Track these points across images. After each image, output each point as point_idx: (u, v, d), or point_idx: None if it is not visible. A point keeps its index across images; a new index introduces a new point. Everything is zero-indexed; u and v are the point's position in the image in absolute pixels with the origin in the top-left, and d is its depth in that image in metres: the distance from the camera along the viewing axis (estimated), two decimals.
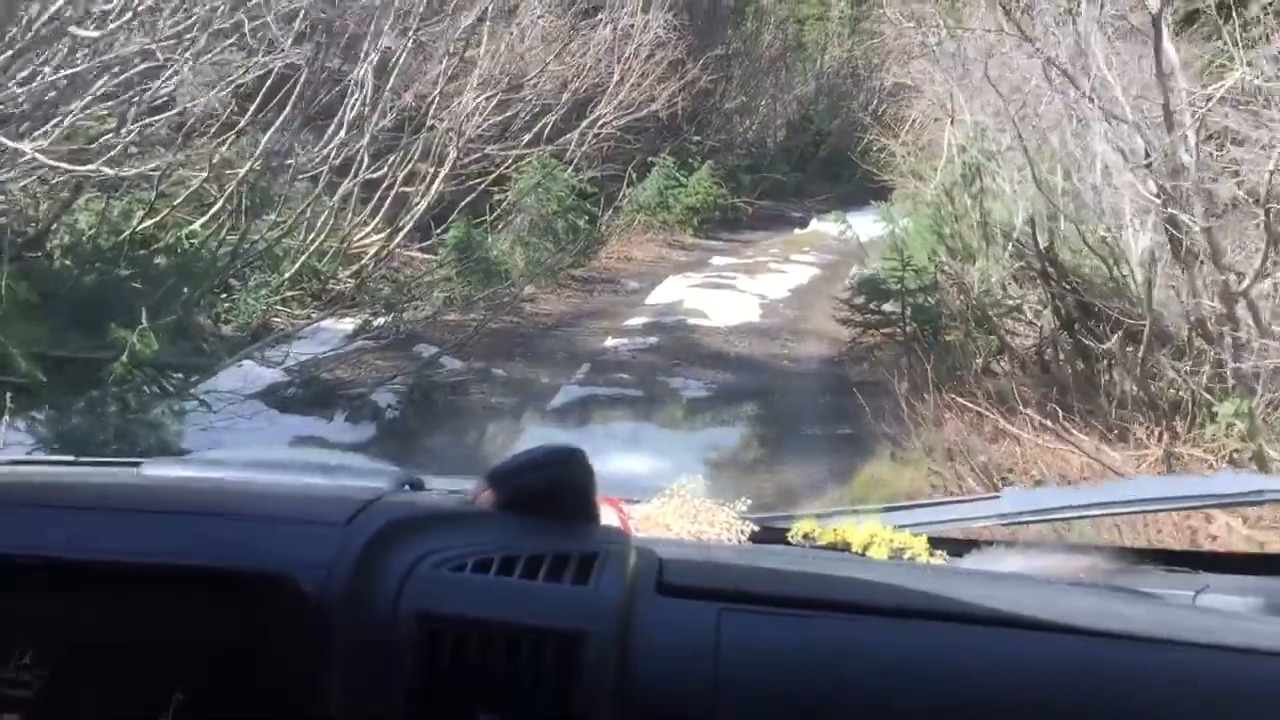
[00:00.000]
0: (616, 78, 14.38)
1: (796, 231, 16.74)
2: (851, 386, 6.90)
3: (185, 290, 6.33)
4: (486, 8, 11.07)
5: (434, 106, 10.85)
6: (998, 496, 1.33)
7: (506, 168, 12.06)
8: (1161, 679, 0.77)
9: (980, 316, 8.10)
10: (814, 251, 14.61)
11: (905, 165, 14.42)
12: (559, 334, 8.96)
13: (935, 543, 1.22)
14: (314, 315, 9.09)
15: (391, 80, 9.81)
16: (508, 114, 12.05)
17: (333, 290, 9.76)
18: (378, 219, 10.63)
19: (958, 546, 1.24)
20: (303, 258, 9.05)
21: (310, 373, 6.76)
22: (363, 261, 9.93)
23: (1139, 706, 0.76)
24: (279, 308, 9.02)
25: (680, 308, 9.94)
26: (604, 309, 10.09)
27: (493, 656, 0.74)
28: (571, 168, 13.82)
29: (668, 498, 1.28)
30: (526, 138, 12.81)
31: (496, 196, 11.74)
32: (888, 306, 8.47)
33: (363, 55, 9.74)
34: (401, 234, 10.45)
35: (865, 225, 16.92)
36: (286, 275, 8.98)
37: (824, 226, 16.99)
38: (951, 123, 10.18)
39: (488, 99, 11.21)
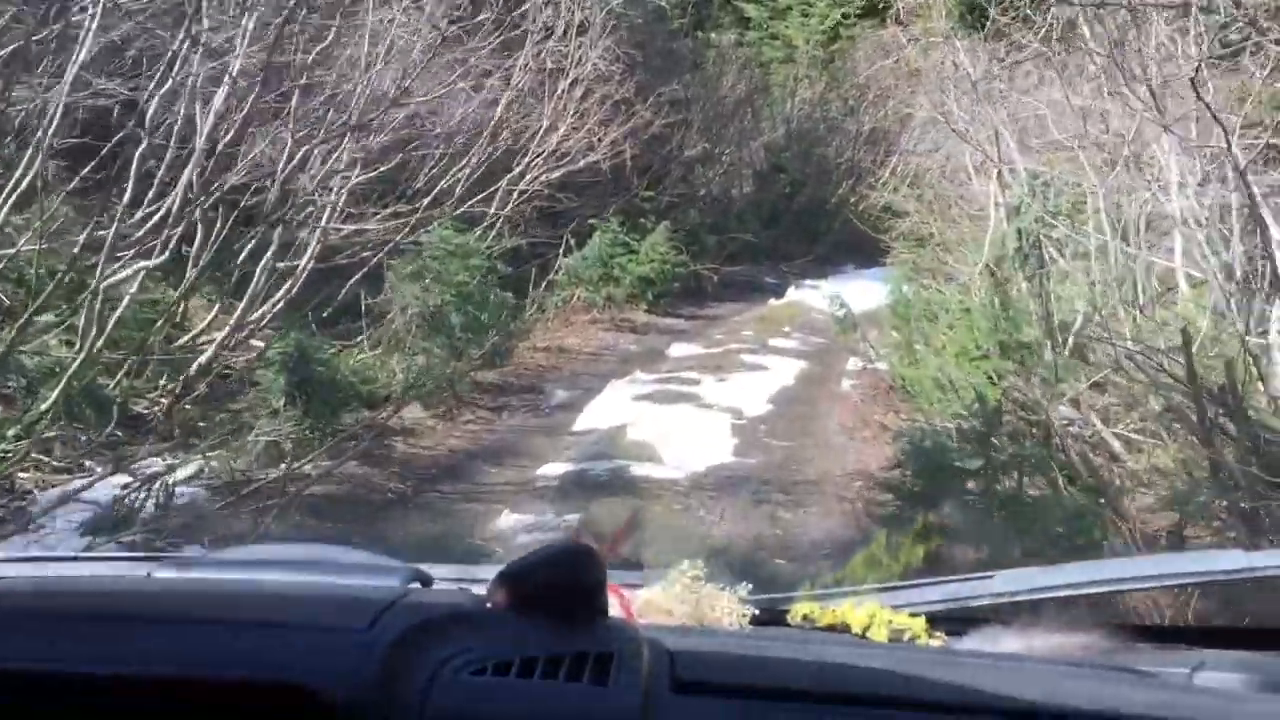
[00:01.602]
0: (546, 122, 11.42)
1: (772, 303, 13.74)
2: None
3: None
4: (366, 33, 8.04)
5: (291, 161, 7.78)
6: (991, 576, 1.30)
7: (396, 240, 9.01)
8: None
9: (1087, 473, 5.08)
10: (796, 331, 11.61)
11: (914, 224, 11.50)
12: (427, 503, 5.83)
13: (933, 622, 1.19)
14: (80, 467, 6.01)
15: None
16: (390, 168, 9.00)
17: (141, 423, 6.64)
18: (209, 321, 7.53)
19: (955, 625, 1.21)
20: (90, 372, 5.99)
21: None
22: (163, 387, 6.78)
23: None
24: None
25: (621, 442, 6.83)
26: (510, 447, 6.96)
27: None
28: (493, 235, 10.80)
29: (670, 583, 1.25)
30: (426, 200, 9.80)
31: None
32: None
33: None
34: (239, 338, 7.38)
35: (852, 292, 14.01)
36: (46, 405, 5.83)
37: (804, 296, 14.01)
38: (999, 176, 7.23)
39: (358, 148, 8.18)
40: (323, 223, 8.29)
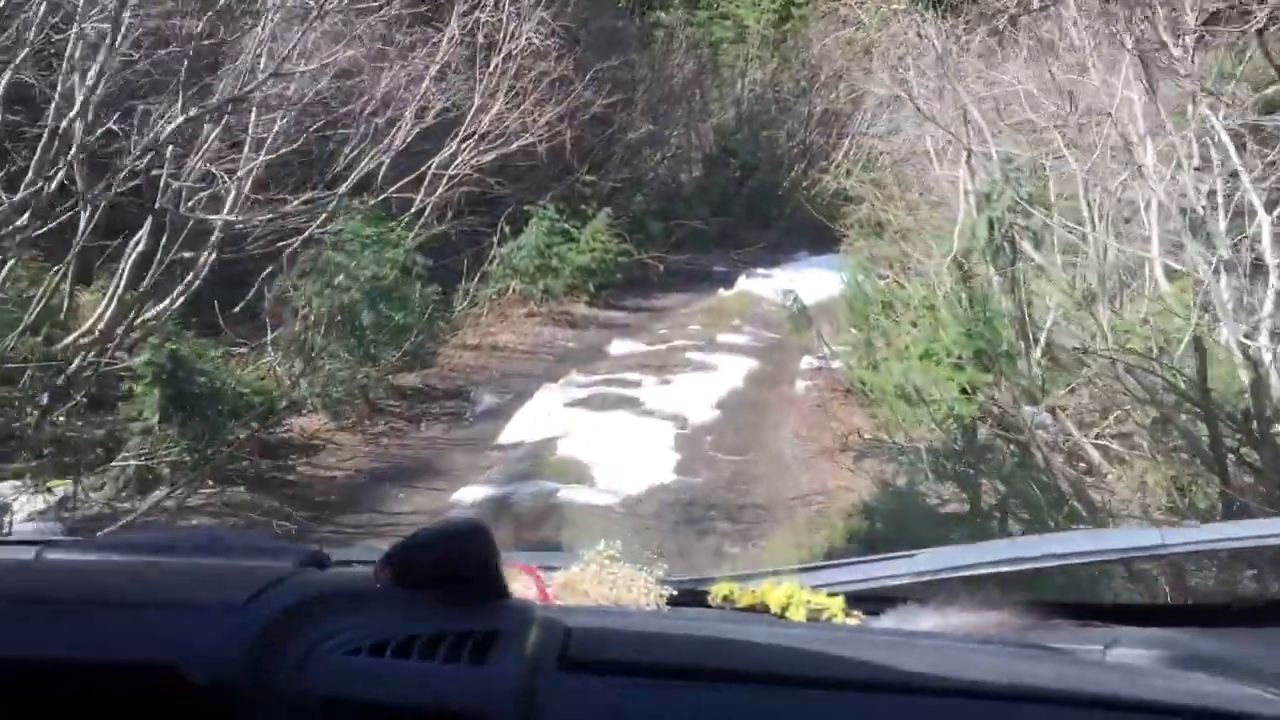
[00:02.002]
0: (477, 100, 10.56)
1: (721, 294, 13.01)
2: None
3: None
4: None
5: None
6: (912, 555, 1.29)
7: (311, 229, 8.14)
8: None
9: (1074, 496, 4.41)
10: (746, 325, 10.89)
11: (870, 210, 10.81)
12: (320, 539, 5.01)
13: (852, 602, 1.18)
14: None
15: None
16: (301, 149, 8.11)
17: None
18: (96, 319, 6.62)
19: (874, 605, 1.20)
20: None
21: None
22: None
23: None
24: None
25: (550, 459, 6.06)
26: (425, 465, 6.17)
27: None
28: (420, 224, 9.95)
29: (585, 564, 1.23)
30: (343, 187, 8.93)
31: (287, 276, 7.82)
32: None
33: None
34: (133, 339, 6.49)
35: (806, 282, 13.34)
36: None
37: (754, 286, 13.31)
38: (968, 159, 6.53)
39: (261, 127, 7.28)
40: (225, 210, 7.41)
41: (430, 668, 0.75)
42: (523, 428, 6.81)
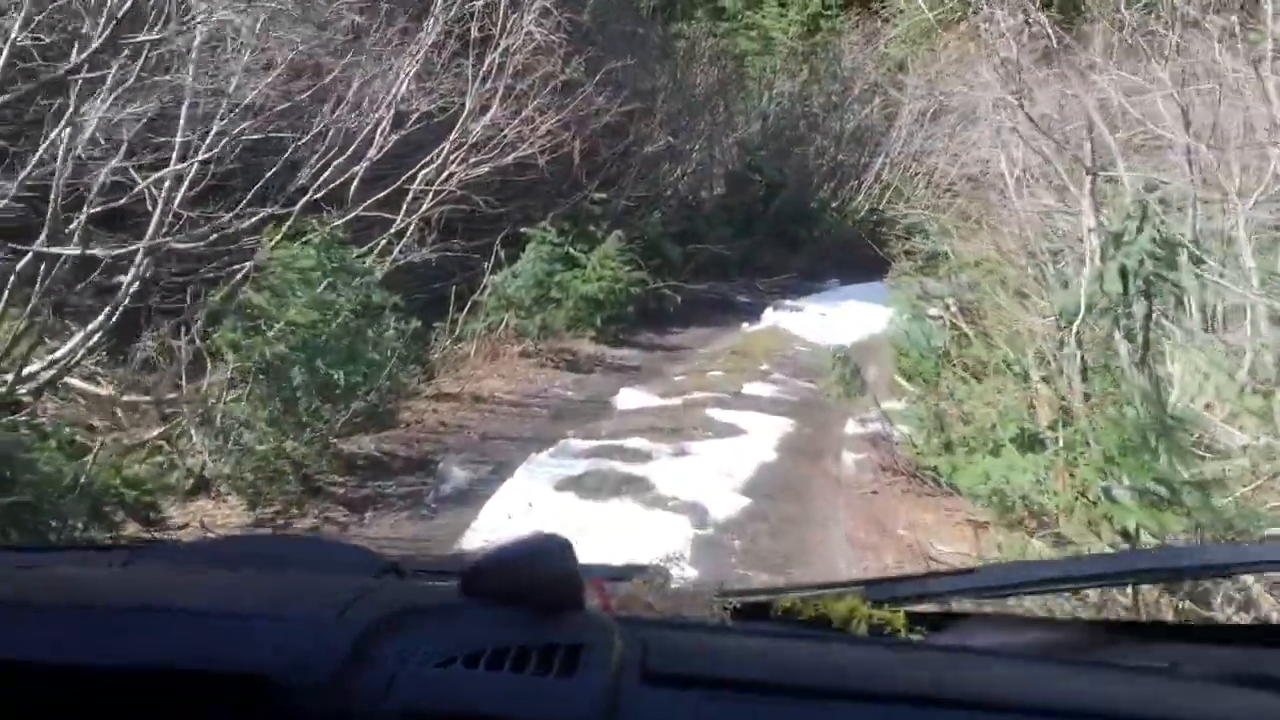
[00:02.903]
0: (468, 105, 8.97)
1: (746, 329, 11.38)
2: None
3: None
4: None
5: None
6: (973, 571, 1.28)
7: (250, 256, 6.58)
8: None
9: None
10: (776, 370, 9.23)
11: (925, 241, 9.20)
12: None
13: (913, 618, 1.15)
14: None
15: None
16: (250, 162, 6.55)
17: None
18: None
19: (936, 621, 1.17)
20: None
21: None
22: None
23: None
24: None
25: None
26: None
27: None
28: (399, 246, 8.39)
29: (650, 576, 1.21)
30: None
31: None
32: None
33: None
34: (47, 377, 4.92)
35: (841, 317, 11.70)
36: None
37: (783, 320, 11.68)
38: (1093, 184, 4.86)
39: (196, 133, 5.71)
40: (151, 231, 5.86)
41: (521, 679, 0.75)
42: (496, 521, 5.20)
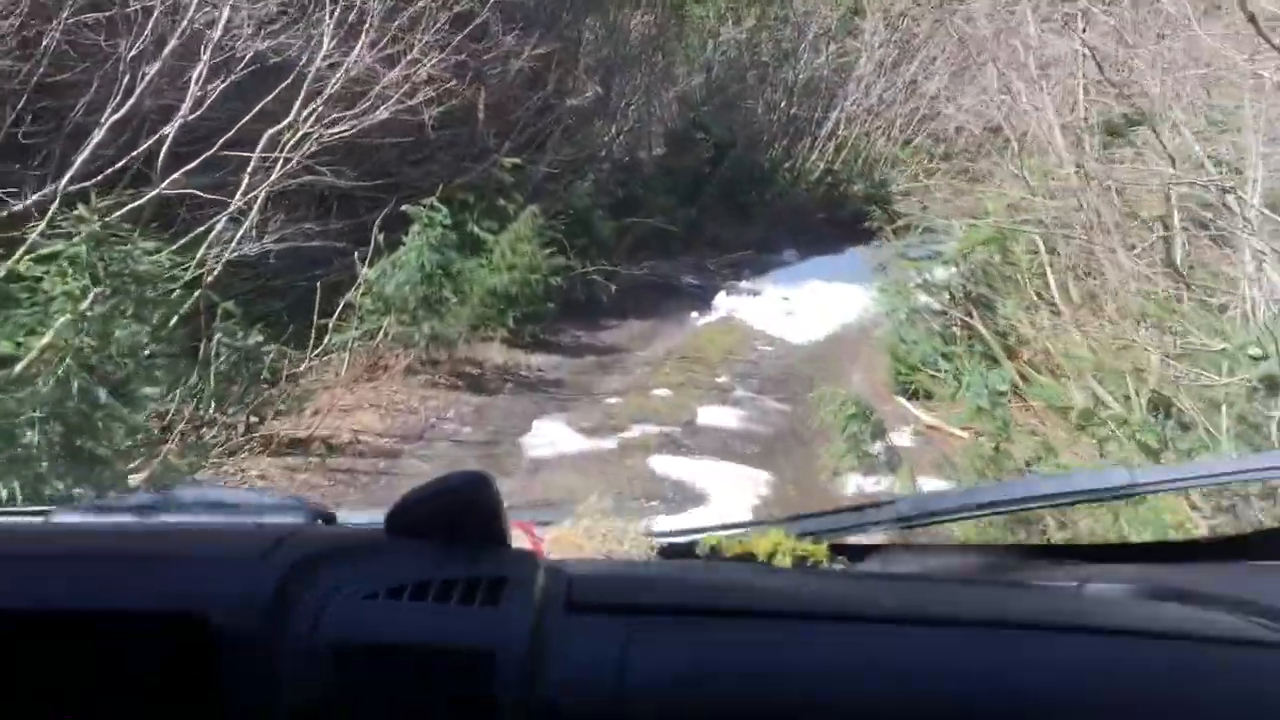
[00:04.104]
0: (325, 44, 6.69)
1: (696, 322, 9.29)
2: None
3: None
4: None
5: None
6: (893, 501, 1.28)
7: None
8: (1050, 665, 0.77)
9: None
10: (738, 384, 7.16)
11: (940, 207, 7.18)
12: None
13: (836, 549, 1.18)
14: None
15: None
16: None
17: None
18: None
19: (857, 552, 1.22)
20: None
21: None
22: None
23: (1028, 692, 0.76)
24: None
25: None
26: None
27: (408, 680, 0.74)
28: (238, 235, 6.20)
29: (578, 519, 1.23)
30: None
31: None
32: None
33: None
34: None
35: (809, 300, 9.66)
36: None
37: (740, 307, 9.61)
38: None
39: None
40: None
41: (445, 609, 0.76)
42: None
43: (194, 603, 0.75)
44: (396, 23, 7.15)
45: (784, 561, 1.14)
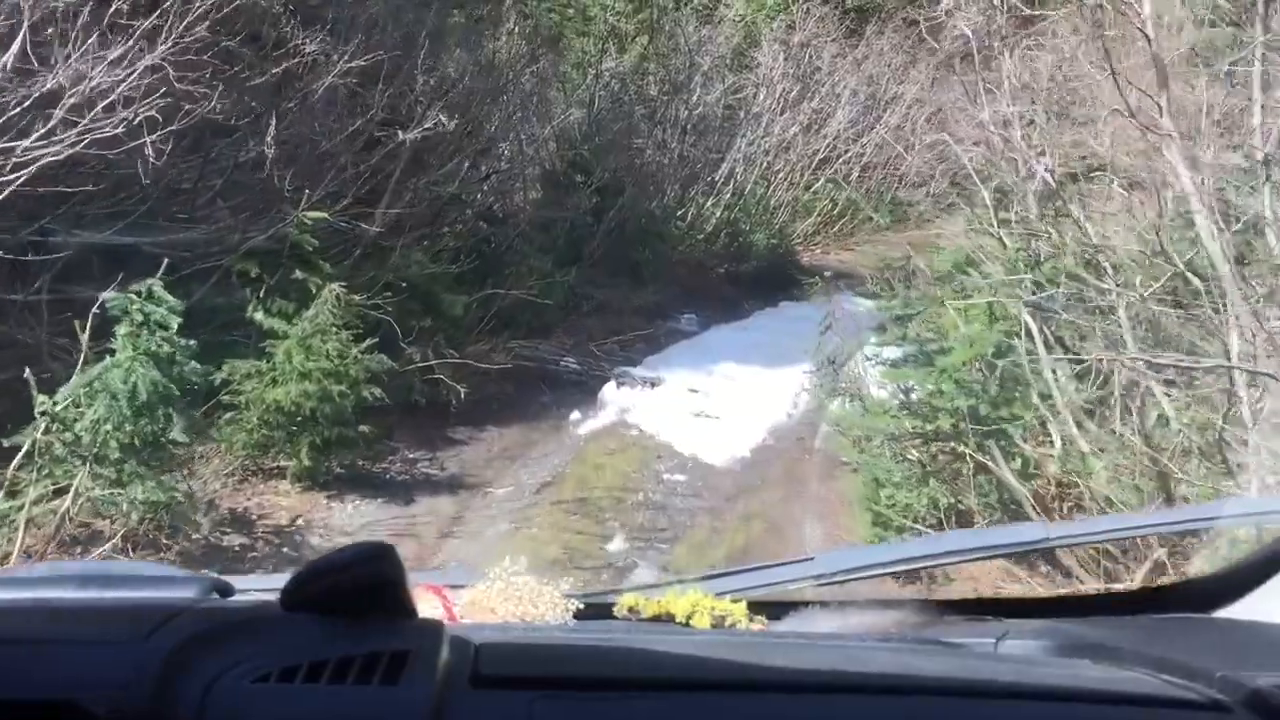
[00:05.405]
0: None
1: (578, 428, 6.86)
2: None
3: None
4: None
5: None
6: (811, 558, 1.29)
7: None
8: None
9: None
10: (638, 545, 4.79)
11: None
12: None
13: (754, 607, 1.17)
14: None
15: None
16: None
17: None
18: None
19: (776, 610, 1.20)
20: None
21: None
22: None
23: None
24: None
25: None
26: None
27: None
28: None
29: (491, 581, 1.19)
30: None
31: None
32: None
33: None
34: None
35: (721, 386, 7.41)
36: None
37: (634, 406, 7.27)
38: None
39: None
40: None
41: (341, 690, 0.71)
42: None
43: (72, 688, 0.69)
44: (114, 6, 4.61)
45: (702, 621, 1.13)
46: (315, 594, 0.78)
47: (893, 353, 5.67)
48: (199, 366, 4.39)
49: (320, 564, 0.80)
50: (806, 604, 1.20)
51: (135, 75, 4.82)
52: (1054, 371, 5.42)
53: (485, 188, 10.16)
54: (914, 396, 4.84)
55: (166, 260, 4.36)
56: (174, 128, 4.85)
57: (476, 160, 9.69)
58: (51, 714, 0.68)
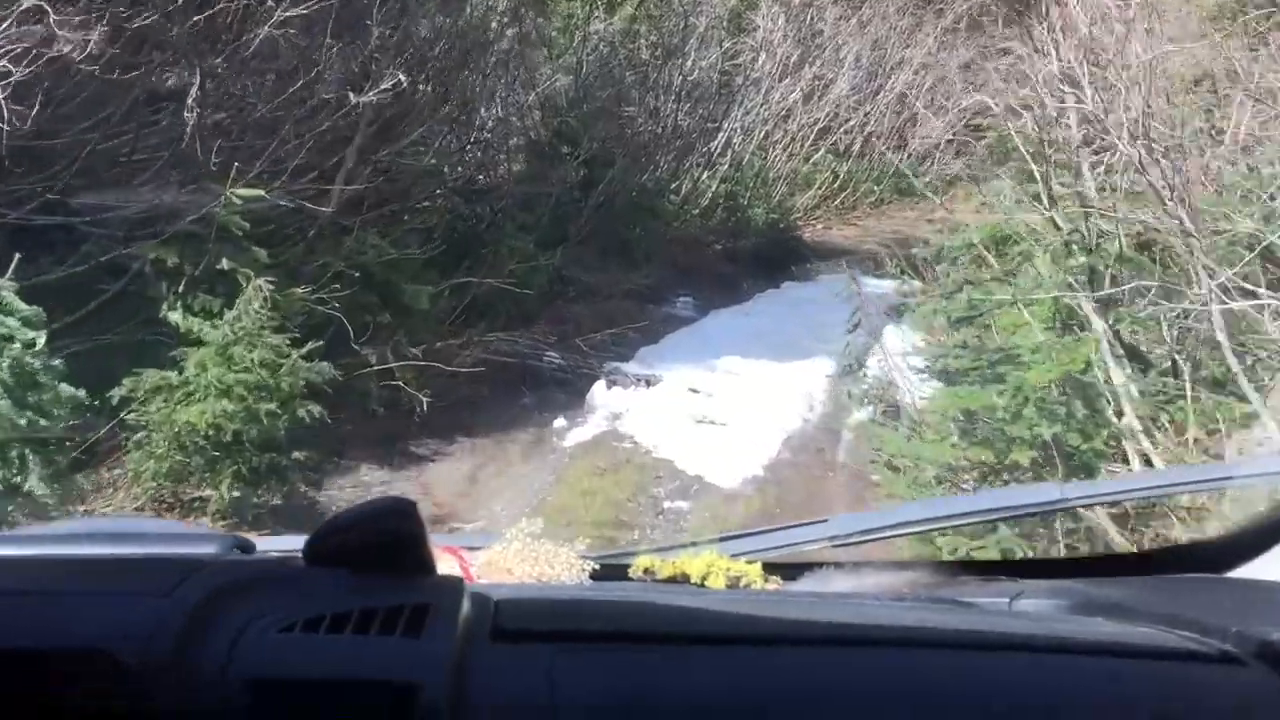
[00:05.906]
0: None
1: (563, 440, 5.90)
2: None
3: None
4: None
5: None
6: (825, 520, 1.28)
7: None
8: (978, 683, 0.76)
9: None
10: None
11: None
12: None
13: (769, 568, 1.16)
14: None
15: None
16: None
17: None
18: None
19: (791, 571, 1.19)
20: None
21: None
22: None
23: (956, 711, 0.74)
24: None
25: None
26: None
27: (327, 714, 0.68)
28: None
29: (508, 542, 1.17)
30: None
31: None
32: None
33: None
34: None
35: (726, 384, 6.48)
36: None
37: (627, 410, 6.32)
38: None
39: None
40: None
41: (365, 641, 0.71)
42: None
43: (100, 639, 0.69)
44: None
45: (717, 581, 1.13)
46: (337, 549, 0.78)
47: (927, 356, 4.75)
48: (70, 389, 3.43)
49: (342, 519, 0.80)
50: (821, 565, 1.19)
51: (11, 20, 3.87)
52: (1128, 383, 4.55)
53: (463, 160, 9.17)
54: (977, 420, 3.92)
55: (18, 256, 3.38)
56: (61, 89, 3.87)
57: (452, 129, 8.68)
58: (84, 663, 0.68)
